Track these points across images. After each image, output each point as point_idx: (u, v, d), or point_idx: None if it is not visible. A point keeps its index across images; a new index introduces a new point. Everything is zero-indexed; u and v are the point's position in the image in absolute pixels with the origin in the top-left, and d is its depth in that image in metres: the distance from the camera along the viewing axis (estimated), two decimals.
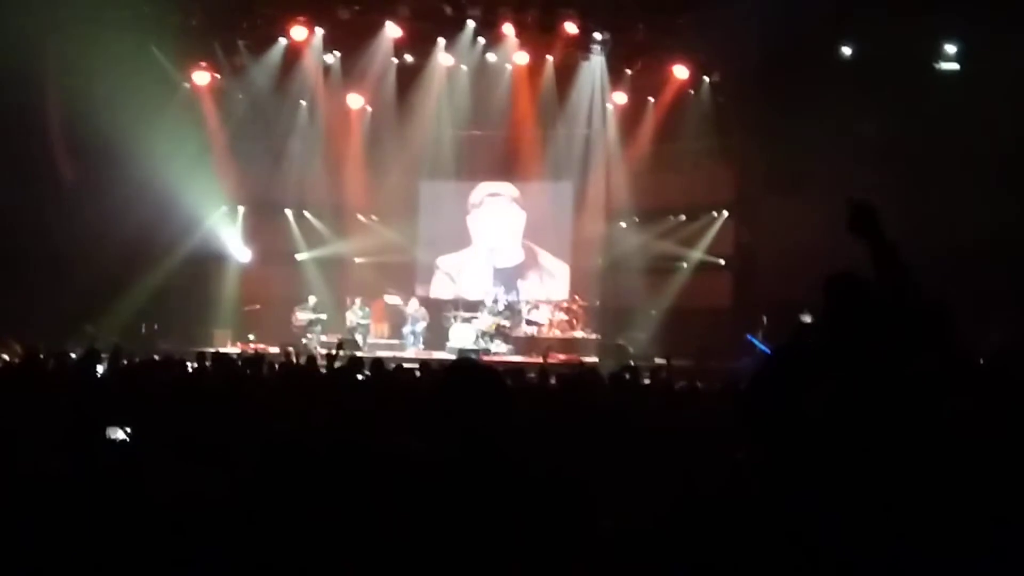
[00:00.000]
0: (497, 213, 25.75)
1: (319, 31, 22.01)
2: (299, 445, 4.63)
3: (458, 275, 25.75)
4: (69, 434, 6.82)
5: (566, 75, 23.73)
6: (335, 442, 5.34)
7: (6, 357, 13.99)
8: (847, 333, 4.77)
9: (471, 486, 3.80)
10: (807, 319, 4.88)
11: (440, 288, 25.76)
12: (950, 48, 19.98)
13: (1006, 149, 17.37)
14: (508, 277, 25.37)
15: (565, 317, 23.77)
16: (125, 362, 14.08)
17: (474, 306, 24.17)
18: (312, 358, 15.50)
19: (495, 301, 24.02)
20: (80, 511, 4.36)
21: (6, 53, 18.13)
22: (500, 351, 22.59)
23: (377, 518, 4.03)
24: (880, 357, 4.58)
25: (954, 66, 20.08)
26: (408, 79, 23.84)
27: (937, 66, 20.15)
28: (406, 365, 15.21)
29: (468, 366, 4.17)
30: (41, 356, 13.75)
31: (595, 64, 23.35)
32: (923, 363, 5.02)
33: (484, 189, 25.80)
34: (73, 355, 14.81)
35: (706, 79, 22.88)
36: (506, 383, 4.16)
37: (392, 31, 21.79)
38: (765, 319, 19.81)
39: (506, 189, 25.74)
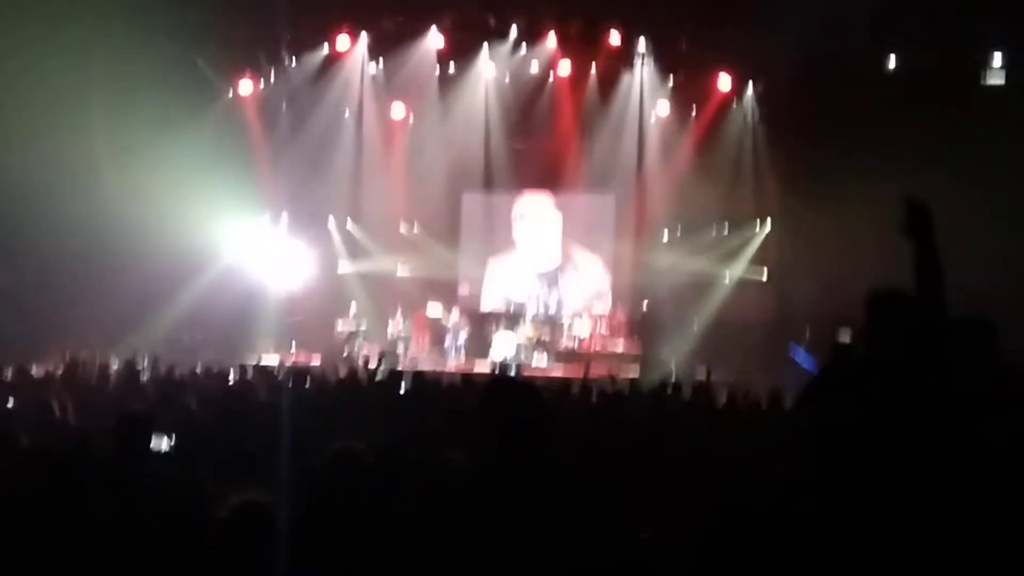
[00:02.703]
0: (536, 224, 25.73)
1: (363, 41, 22.14)
2: (341, 457, 4.68)
3: (506, 277, 25.79)
4: (115, 442, 6.91)
5: (609, 85, 23.75)
6: (377, 454, 5.40)
7: (53, 369, 14.12)
8: (888, 349, 4.77)
9: (510, 497, 3.84)
10: (846, 338, 4.86)
11: (489, 290, 25.81)
12: (996, 60, 19.88)
13: None
14: (549, 280, 25.45)
15: (607, 330, 23.72)
16: (163, 372, 14.24)
17: (516, 318, 24.14)
18: (354, 371, 15.60)
19: (537, 313, 24.05)
20: (122, 518, 4.41)
21: (54, 59, 18.35)
22: (541, 363, 22.56)
23: (417, 528, 4.08)
24: (922, 373, 4.58)
25: (1000, 80, 19.98)
26: (451, 89, 23.92)
27: (983, 79, 20.05)
28: (447, 379, 15.28)
29: (505, 382, 4.22)
30: (81, 365, 13.92)
31: (638, 74, 23.37)
32: (969, 381, 5.02)
33: (524, 203, 25.79)
34: (115, 365, 15.00)
35: (749, 90, 22.85)
36: (543, 398, 4.19)
37: (435, 41, 21.89)
38: (808, 332, 19.74)
39: (545, 202, 25.71)
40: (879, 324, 4.84)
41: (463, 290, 25.58)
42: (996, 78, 19.96)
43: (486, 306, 25.36)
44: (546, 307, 24.48)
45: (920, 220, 4.55)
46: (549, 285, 25.34)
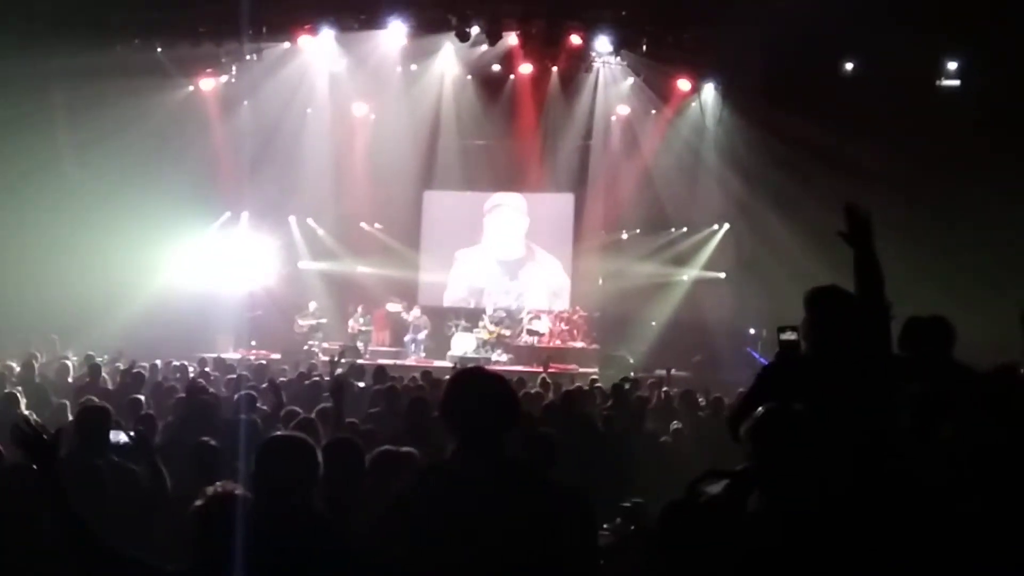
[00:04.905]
0: (507, 218, 25.87)
1: (325, 40, 22.01)
2: (297, 447, 4.66)
3: (470, 267, 26.01)
4: (76, 435, 6.89)
5: (570, 86, 23.83)
6: (336, 446, 5.39)
7: (13, 364, 13.98)
8: (828, 342, 4.88)
9: (469, 489, 3.85)
10: (790, 336, 4.95)
11: (455, 282, 26.02)
12: (951, 65, 20.07)
13: (1005, 164, 17.45)
14: (511, 270, 25.82)
15: (566, 327, 23.80)
16: (120, 366, 14.17)
17: (476, 315, 24.23)
18: (313, 365, 15.57)
19: (496, 310, 24.12)
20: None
21: (15, 56, 18.19)
22: (501, 360, 22.59)
23: (381, 519, 4.07)
24: (861, 366, 4.69)
25: (955, 83, 20.17)
26: (413, 87, 23.91)
27: (938, 83, 20.24)
28: (407, 374, 15.27)
29: (476, 373, 4.17)
30: (36, 362, 13.82)
31: (599, 76, 23.46)
32: (924, 378, 5.10)
33: (492, 201, 25.90)
34: (71, 361, 14.89)
35: (709, 93, 22.93)
36: (513, 390, 4.19)
37: (398, 40, 21.79)
38: (764, 332, 19.88)
39: (511, 200, 25.81)
40: (818, 320, 4.97)
41: (423, 287, 25.64)
42: (951, 80, 20.17)
43: (449, 298, 25.49)
44: (507, 296, 24.78)
45: (860, 228, 4.75)
46: (511, 275, 25.62)
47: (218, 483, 4.17)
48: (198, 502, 4.04)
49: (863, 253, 4.76)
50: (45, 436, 4.28)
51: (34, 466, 4.29)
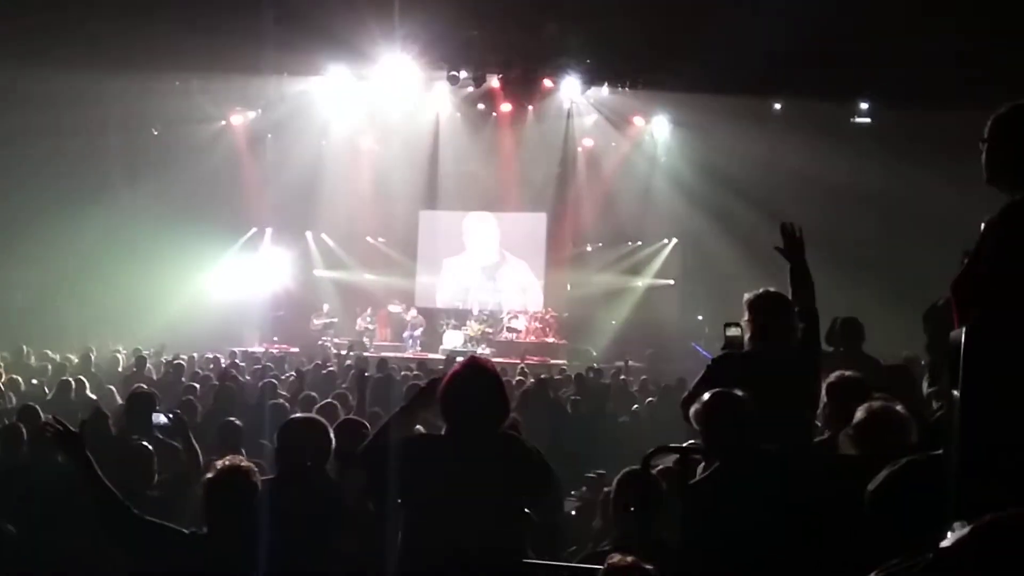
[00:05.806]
0: (481, 233, 25.92)
1: (337, 81, 22.04)
2: (313, 426, 4.68)
3: (456, 272, 26.06)
4: (126, 416, 6.87)
5: (543, 121, 23.94)
6: (346, 424, 5.37)
7: (72, 356, 13.93)
8: (767, 339, 4.90)
9: (462, 459, 3.86)
10: (735, 332, 4.97)
11: (444, 284, 26.08)
12: (863, 105, 20.27)
13: (907, 187, 17.63)
14: (489, 273, 25.92)
15: (539, 325, 23.84)
16: (165, 359, 14.12)
17: (463, 315, 24.27)
18: (327, 357, 15.53)
19: (481, 310, 24.24)
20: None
21: (76, 105, 18.28)
22: (485, 353, 22.57)
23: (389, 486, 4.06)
24: (795, 359, 4.72)
25: (866, 120, 20.40)
26: (410, 122, 23.98)
27: (852, 120, 20.46)
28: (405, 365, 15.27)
29: (475, 373, 4.12)
30: (92, 355, 13.77)
31: (567, 113, 23.61)
32: (841, 367, 5.14)
33: (472, 218, 25.92)
34: (121, 353, 14.86)
35: (661, 127, 23.28)
36: (505, 392, 4.18)
37: (399, 84, 21.86)
38: (707, 329, 20.03)
39: (483, 218, 25.92)
40: (759, 319, 5.00)
41: (419, 290, 25.70)
42: (863, 118, 20.42)
43: (442, 298, 25.68)
44: (487, 294, 25.24)
45: (793, 243, 4.80)
46: (489, 277, 25.88)
47: (227, 457, 4.14)
48: (208, 474, 4.02)
49: (796, 264, 4.81)
50: (72, 429, 4.26)
51: (66, 454, 4.28)
